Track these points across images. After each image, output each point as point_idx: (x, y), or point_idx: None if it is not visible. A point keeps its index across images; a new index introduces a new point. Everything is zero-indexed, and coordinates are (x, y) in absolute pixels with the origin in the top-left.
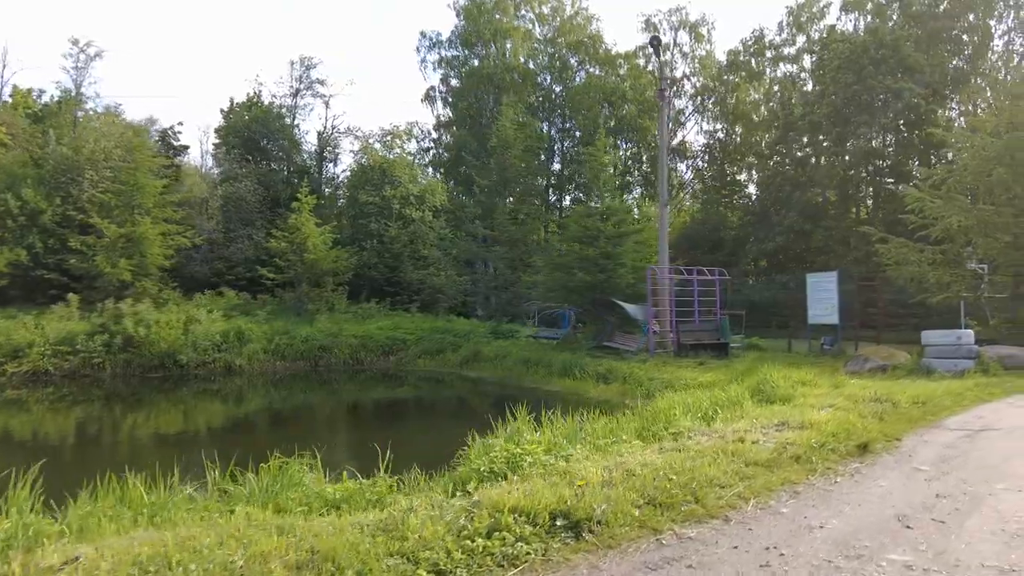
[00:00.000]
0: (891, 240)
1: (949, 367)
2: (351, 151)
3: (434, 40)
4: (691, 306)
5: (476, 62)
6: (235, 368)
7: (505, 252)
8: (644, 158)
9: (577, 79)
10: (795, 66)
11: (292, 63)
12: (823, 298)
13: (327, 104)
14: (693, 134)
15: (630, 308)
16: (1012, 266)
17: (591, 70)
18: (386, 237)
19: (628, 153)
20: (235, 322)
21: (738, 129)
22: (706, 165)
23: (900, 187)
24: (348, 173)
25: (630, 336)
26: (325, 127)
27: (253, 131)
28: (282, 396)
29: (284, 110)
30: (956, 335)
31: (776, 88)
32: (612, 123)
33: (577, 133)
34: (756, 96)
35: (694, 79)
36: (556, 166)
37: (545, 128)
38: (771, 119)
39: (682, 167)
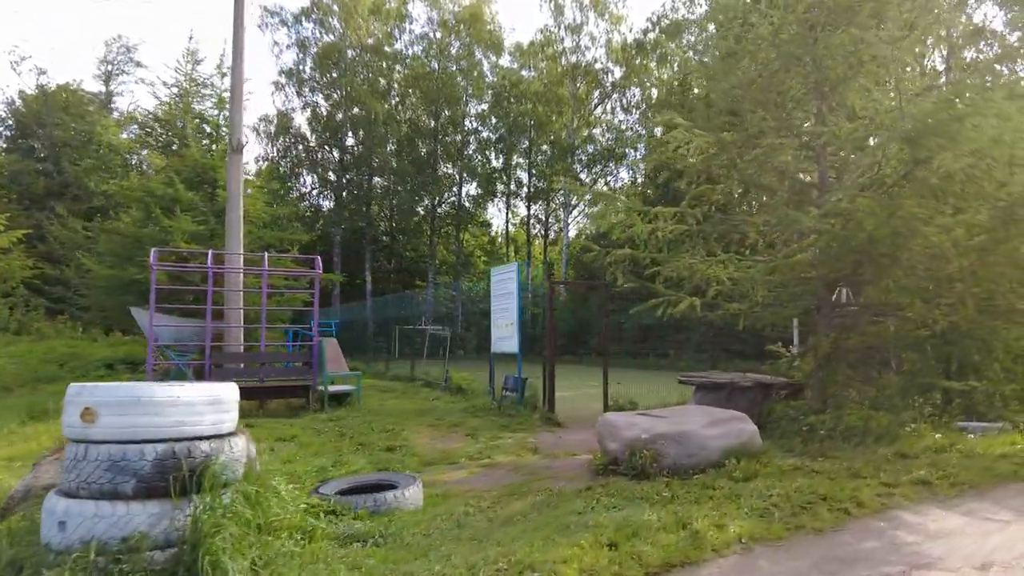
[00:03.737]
0: (601, 197)
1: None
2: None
3: (280, 17)
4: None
5: (331, 41)
6: None
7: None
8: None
9: (461, 66)
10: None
11: (107, 43)
12: (504, 308)
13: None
14: (601, 130)
15: (142, 318)
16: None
17: (492, 59)
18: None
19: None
20: None
21: (649, 121)
22: (608, 165)
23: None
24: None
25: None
26: (122, 113)
27: (32, 119)
28: None
29: (91, 96)
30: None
31: (679, 71)
32: (525, 119)
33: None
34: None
35: (602, 66)
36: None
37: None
38: (666, 101)
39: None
